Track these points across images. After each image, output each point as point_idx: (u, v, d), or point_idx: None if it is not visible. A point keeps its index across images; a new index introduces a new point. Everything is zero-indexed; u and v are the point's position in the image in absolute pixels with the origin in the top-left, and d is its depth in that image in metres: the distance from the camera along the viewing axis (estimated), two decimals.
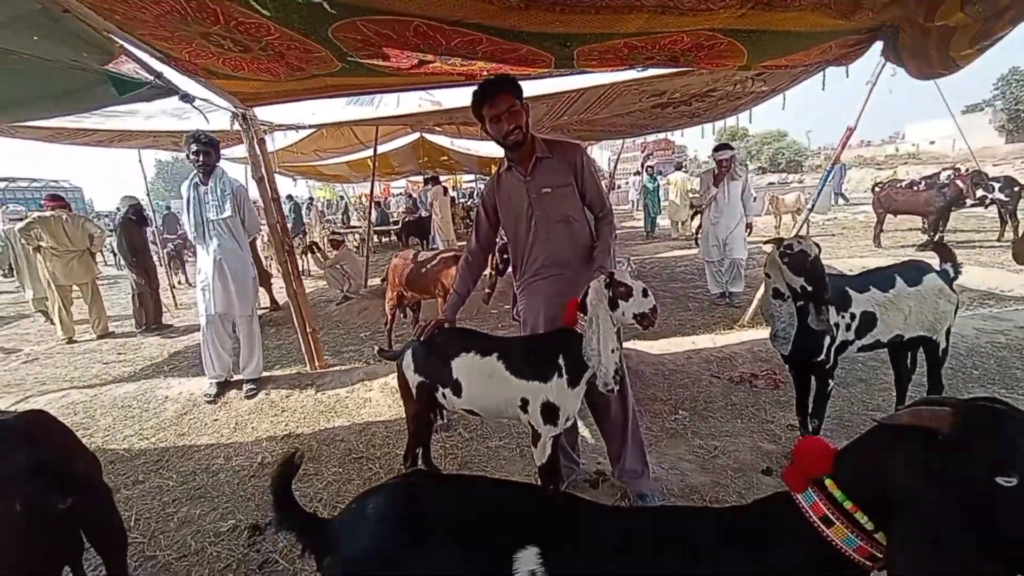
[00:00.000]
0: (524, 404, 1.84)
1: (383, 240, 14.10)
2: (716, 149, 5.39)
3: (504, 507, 0.96)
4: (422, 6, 1.44)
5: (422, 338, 2.03)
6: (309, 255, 7.36)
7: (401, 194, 25.28)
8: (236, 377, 3.83)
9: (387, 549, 0.91)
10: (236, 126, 3.27)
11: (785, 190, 13.64)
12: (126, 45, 2.16)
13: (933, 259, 2.64)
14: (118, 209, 6.49)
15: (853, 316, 2.16)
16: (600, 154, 23.79)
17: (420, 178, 15.41)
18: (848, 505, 0.80)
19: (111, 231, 8.26)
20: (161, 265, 7.97)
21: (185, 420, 3.42)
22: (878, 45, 2.43)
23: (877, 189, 9.16)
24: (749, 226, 5.51)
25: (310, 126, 4.38)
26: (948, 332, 2.34)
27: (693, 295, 6.16)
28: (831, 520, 0.80)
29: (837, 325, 2.09)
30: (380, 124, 6.24)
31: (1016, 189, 8.03)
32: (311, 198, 17.00)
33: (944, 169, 9.59)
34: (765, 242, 2.40)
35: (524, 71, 2.30)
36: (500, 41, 1.81)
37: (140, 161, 7.41)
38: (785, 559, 0.82)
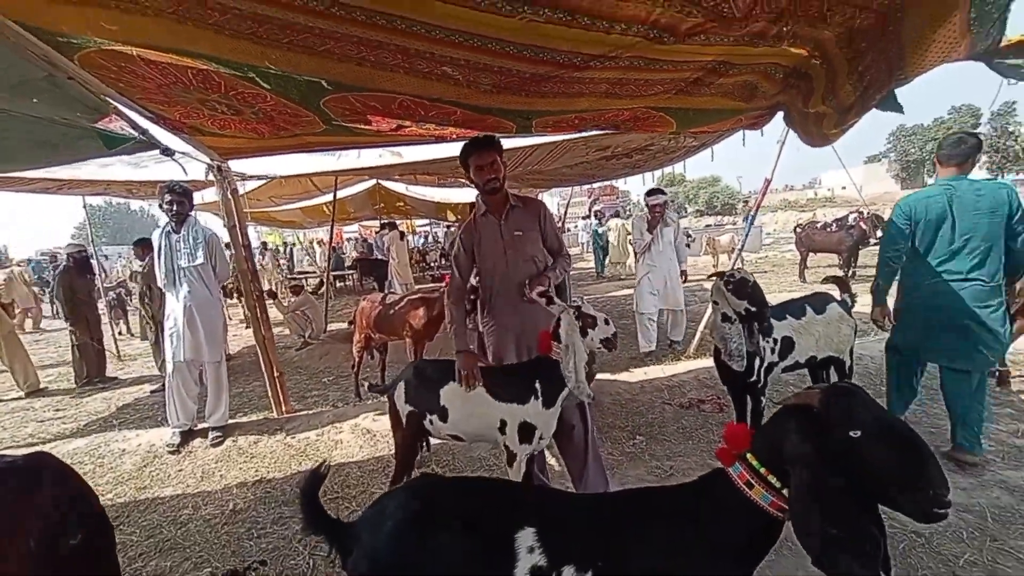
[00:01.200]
0: (502, 425, 2.05)
1: (338, 285, 13.97)
2: (649, 194, 5.24)
3: (503, 498, 1.17)
4: (409, 88, 1.73)
5: (471, 384, 2.13)
6: (272, 301, 7.28)
7: (353, 239, 25.18)
8: (201, 426, 3.77)
9: (405, 538, 1.09)
10: (211, 177, 3.40)
11: (720, 231, 14.84)
12: (119, 106, 2.33)
13: (834, 290, 3.14)
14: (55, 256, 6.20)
15: (776, 341, 2.56)
16: (551, 200, 24.92)
17: (375, 223, 15.60)
18: (762, 471, 1.07)
19: (50, 280, 7.76)
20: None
21: (146, 472, 3.32)
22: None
23: (799, 230, 10.22)
24: (683, 273, 5.40)
25: (280, 177, 4.54)
26: (851, 352, 2.79)
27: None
28: (752, 484, 1.07)
29: (764, 348, 2.47)
30: (341, 175, 6.44)
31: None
32: (264, 243, 16.59)
33: (851, 212, 10.87)
34: (709, 276, 2.77)
35: (489, 134, 2.65)
36: (471, 113, 2.14)
37: (85, 207, 7.21)
38: (723, 516, 1.08)
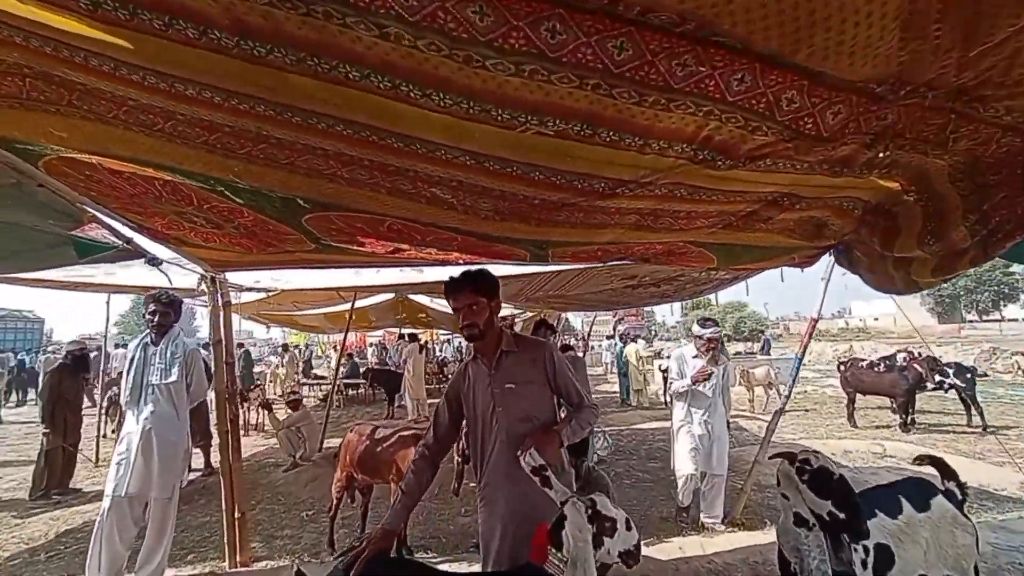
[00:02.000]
0: None
1: (349, 393, 13.40)
2: (702, 324, 4.23)
3: None
4: (396, 210, 1.45)
5: (352, 574, 1.60)
6: (266, 413, 6.77)
7: (377, 344, 25.11)
8: None
9: None
10: (203, 287, 3.17)
11: (755, 363, 13.98)
12: (97, 214, 2.13)
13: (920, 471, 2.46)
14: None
15: (867, 549, 1.87)
16: (574, 318, 24.76)
17: (399, 330, 15.47)
18: None
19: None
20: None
21: None
22: None
23: (843, 369, 9.41)
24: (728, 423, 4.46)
25: (283, 291, 4.35)
26: (976, 572, 2.04)
27: (675, 479, 5.69)
28: None
29: (854, 565, 1.78)
30: (358, 291, 6.32)
31: (968, 376, 8.35)
32: (284, 346, 16.47)
33: (899, 351, 10.06)
34: (772, 456, 2.12)
35: (499, 262, 2.34)
36: (475, 241, 1.84)
37: (108, 304, 7.21)
38: None
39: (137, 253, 2.62)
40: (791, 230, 1.66)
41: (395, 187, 1.27)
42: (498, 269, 4.23)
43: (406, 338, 11.34)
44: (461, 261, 2.33)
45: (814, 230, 1.65)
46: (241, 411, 9.85)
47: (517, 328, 15.84)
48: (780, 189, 1.23)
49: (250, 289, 3.95)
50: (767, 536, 3.88)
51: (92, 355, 6.11)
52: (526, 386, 1.86)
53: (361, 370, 14.39)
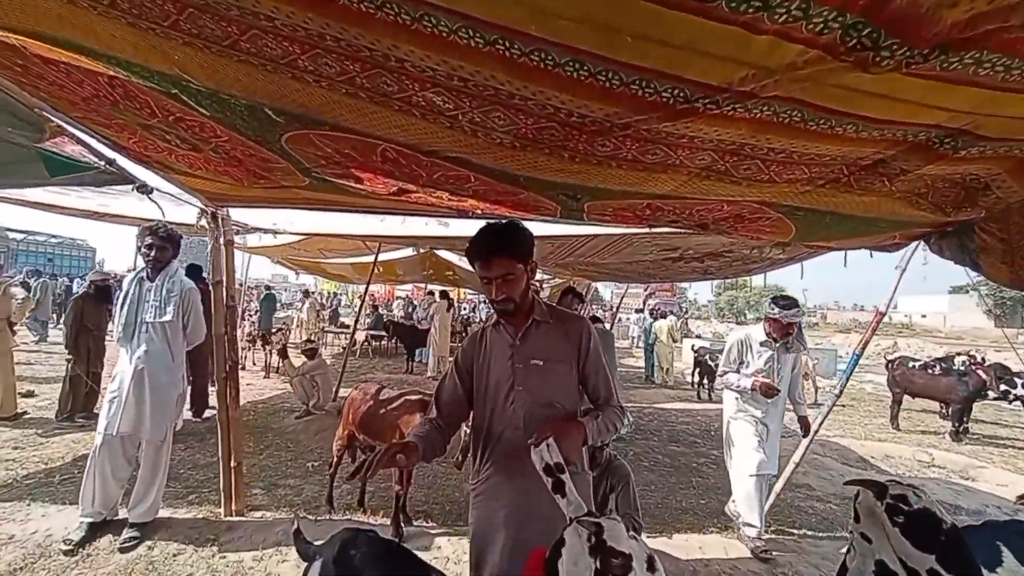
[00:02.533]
0: None
1: (373, 345, 13.48)
2: (781, 304, 3.39)
3: None
4: (384, 126, 1.08)
5: (368, 474, 1.35)
6: (282, 360, 6.73)
7: (404, 298, 25.31)
8: (121, 515, 3.02)
9: None
10: (203, 222, 2.92)
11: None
12: (65, 126, 1.84)
13: None
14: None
15: None
16: (603, 288, 24.19)
17: (427, 286, 15.31)
18: None
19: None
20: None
21: None
22: None
23: (893, 367, 8.71)
24: (804, 423, 3.60)
25: (292, 233, 4.08)
26: None
27: (697, 466, 5.37)
28: None
29: None
30: (383, 241, 6.04)
31: None
32: (306, 290, 16.61)
33: (958, 354, 9.24)
34: (851, 482, 1.63)
35: (523, 215, 1.95)
36: (492, 182, 1.45)
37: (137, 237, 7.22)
38: None
39: (123, 178, 2.35)
40: (922, 194, 1.19)
41: (377, 89, 0.90)
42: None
43: (435, 295, 11.17)
44: (478, 211, 1.96)
45: (963, 195, 1.18)
46: (264, 353, 10.05)
47: (545, 295, 15.53)
48: (954, 118, 0.80)
49: (254, 230, 3.70)
50: (800, 544, 3.54)
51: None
52: (555, 365, 1.55)
53: (385, 317, 14.47)
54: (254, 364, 10.55)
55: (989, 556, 1.62)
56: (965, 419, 7.61)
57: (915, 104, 0.74)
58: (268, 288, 14.92)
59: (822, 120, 0.81)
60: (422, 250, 10.25)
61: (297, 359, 7.07)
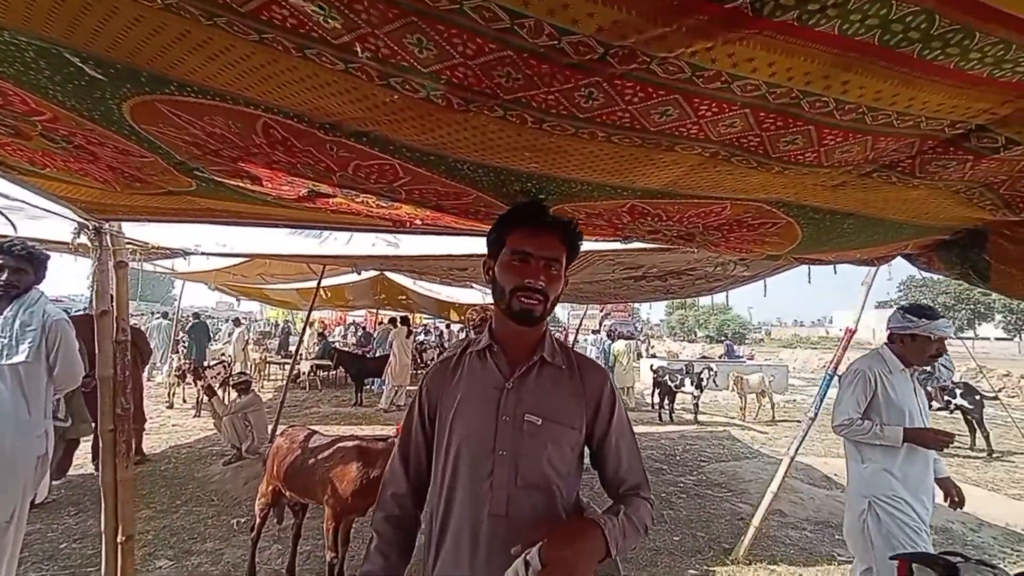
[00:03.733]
0: None
1: (320, 375, 12.57)
2: (926, 314, 2.31)
3: None
4: (245, 80, 0.70)
5: None
6: (209, 397, 5.96)
7: (353, 324, 24.19)
8: None
9: None
10: (84, 240, 2.38)
11: (746, 368, 13.46)
12: None
13: None
14: None
15: None
16: (560, 309, 24.13)
17: (389, 312, 14.34)
18: None
19: None
20: None
21: None
22: None
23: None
24: (946, 486, 2.47)
25: (207, 254, 3.54)
26: None
27: (667, 496, 5.09)
28: None
29: None
30: (320, 261, 5.53)
31: (977, 397, 7.92)
32: (236, 319, 15.01)
33: None
34: (898, 556, 1.29)
35: (474, 227, 1.59)
36: (428, 175, 1.08)
37: None
38: None
39: None
40: (992, 185, 0.93)
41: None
42: (473, 245, 3.48)
43: (397, 323, 10.49)
44: (417, 223, 1.59)
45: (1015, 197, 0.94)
46: (195, 389, 9.04)
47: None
48: None
49: (158, 251, 3.15)
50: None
51: None
52: (558, 429, 1.11)
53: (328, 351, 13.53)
54: (184, 401, 9.52)
55: None
56: None
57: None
58: (196, 316, 13.57)
59: (955, 37, 0.49)
60: (372, 273, 9.71)
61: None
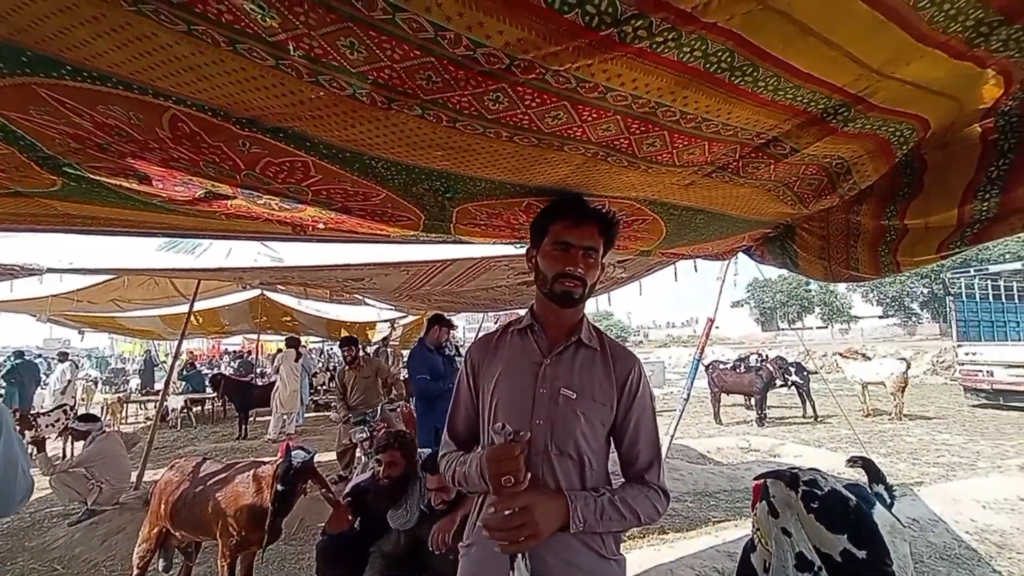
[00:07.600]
0: None
1: (193, 411, 11.10)
2: None
3: None
4: (156, 69, 0.71)
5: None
6: (37, 452, 4.93)
7: (232, 353, 21.85)
8: None
9: None
10: None
11: None
12: None
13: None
14: None
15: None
16: (457, 320, 24.20)
17: (275, 338, 12.82)
18: None
19: None
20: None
21: None
22: None
23: (709, 370, 10.15)
24: None
25: (60, 270, 3.06)
26: None
27: None
28: None
29: None
30: (195, 277, 5.02)
31: (805, 373, 9.58)
32: (63, 353, 12.16)
33: (751, 354, 11.22)
34: (760, 477, 1.58)
35: (379, 231, 1.65)
36: (341, 174, 1.14)
37: None
38: None
39: None
40: (790, 184, 1.26)
41: None
42: (373, 251, 3.46)
43: (287, 346, 9.44)
44: (319, 226, 1.59)
45: (825, 183, 1.26)
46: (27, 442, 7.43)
47: (396, 336, 14.68)
48: (861, 78, 0.77)
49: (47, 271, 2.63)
50: (673, 548, 3.68)
51: None
52: (591, 405, 1.22)
53: (209, 376, 12.00)
54: (47, 435, 7.74)
55: None
56: (764, 406, 9.20)
57: (839, 53, 0.71)
58: (20, 355, 11.13)
59: (748, 69, 0.72)
60: (251, 293, 8.87)
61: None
